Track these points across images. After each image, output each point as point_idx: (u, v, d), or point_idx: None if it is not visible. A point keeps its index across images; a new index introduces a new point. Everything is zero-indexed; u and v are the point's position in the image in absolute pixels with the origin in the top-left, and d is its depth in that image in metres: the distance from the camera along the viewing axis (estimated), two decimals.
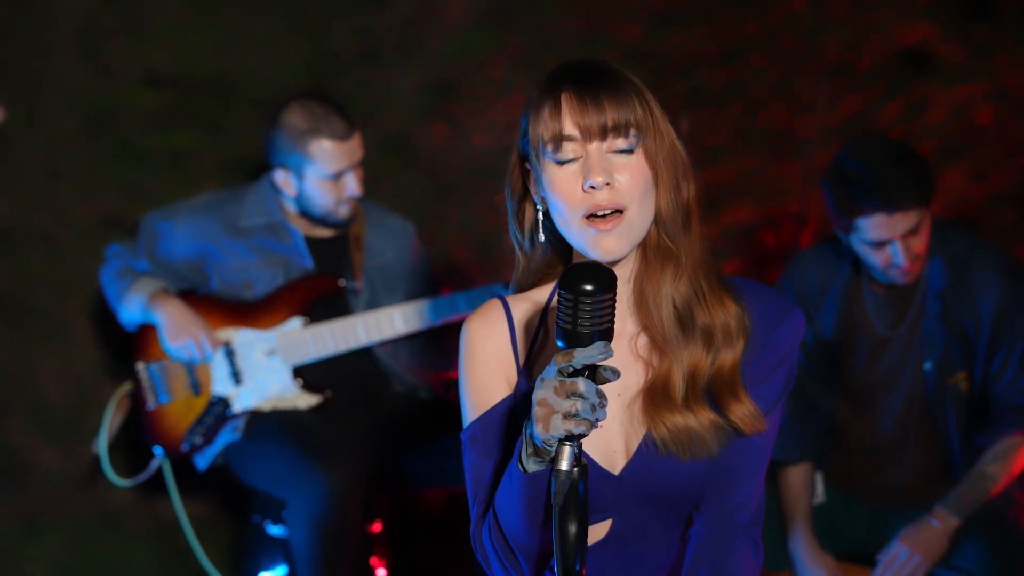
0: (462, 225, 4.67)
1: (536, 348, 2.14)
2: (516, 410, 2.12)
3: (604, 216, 2.02)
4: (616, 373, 1.91)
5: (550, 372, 1.88)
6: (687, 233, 2.08)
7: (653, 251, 2.08)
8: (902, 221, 3.32)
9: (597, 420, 1.87)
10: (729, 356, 2.06)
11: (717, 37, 4.70)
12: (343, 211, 3.80)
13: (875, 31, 4.67)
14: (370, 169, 4.09)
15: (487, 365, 2.13)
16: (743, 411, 2.05)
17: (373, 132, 4.35)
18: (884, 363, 3.52)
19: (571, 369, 1.86)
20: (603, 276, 1.86)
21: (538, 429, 1.89)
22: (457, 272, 4.57)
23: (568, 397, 1.86)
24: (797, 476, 3.56)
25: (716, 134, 4.67)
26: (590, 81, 2.04)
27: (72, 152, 4.41)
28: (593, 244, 2.03)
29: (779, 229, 4.69)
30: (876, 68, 4.67)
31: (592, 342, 1.87)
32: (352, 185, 3.76)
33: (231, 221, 3.82)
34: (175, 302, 3.77)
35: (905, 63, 4.66)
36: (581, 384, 1.85)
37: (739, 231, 4.68)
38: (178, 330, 3.74)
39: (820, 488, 3.63)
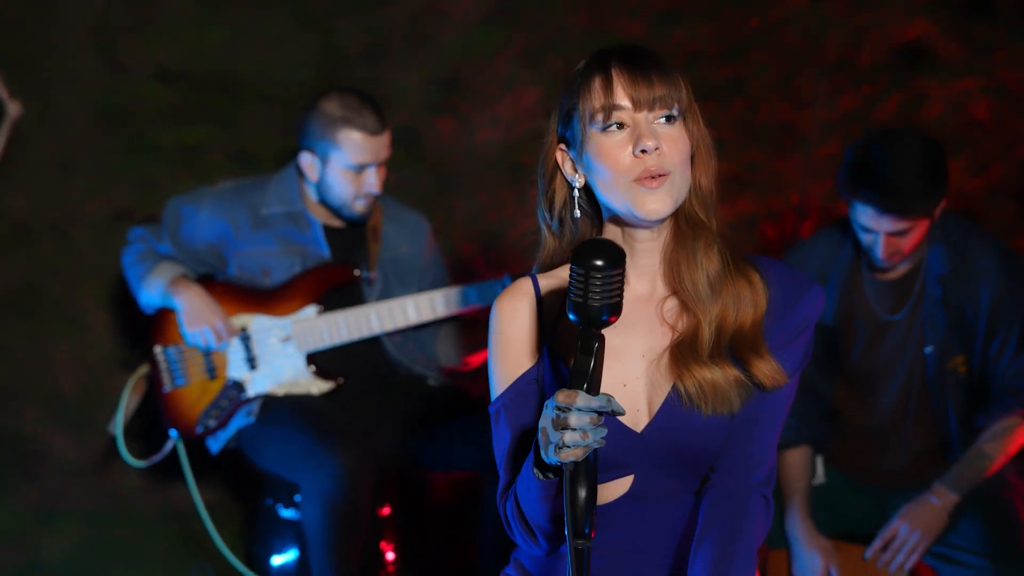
0: (468, 218, 4.71)
1: (560, 323, 2.23)
2: (539, 384, 2.22)
3: (650, 179, 2.12)
4: (622, 412, 1.98)
5: (551, 403, 1.97)
6: (714, 209, 2.20)
7: (685, 222, 2.19)
8: (891, 223, 3.38)
9: (591, 446, 1.94)
10: (752, 314, 2.17)
11: (719, 34, 4.73)
12: (360, 206, 3.85)
13: (874, 28, 4.70)
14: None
15: (514, 342, 2.23)
16: (765, 367, 2.15)
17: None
18: (884, 348, 3.57)
19: (567, 408, 1.94)
20: (613, 252, 1.96)
21: (542, 453, 2.00)
22: (463, 265, 4.61)
23: (561, 430, 1.95)
24: (795, 458, 3.60)
25: (718, 129, 4.44)
26: (638, 59, 2.17)
27: (85, 146, 4.47)
28: (641, 203, 2.13)
29: (780, 222, 4.72)
30: (875, 64, 4.70)
31: (601, 314, 1.95)
32: (372, 180, 3.81)
33: (253, 208, 3.88)
34: (195, 288, 3.82)
35: (904, 59, 4.68)
36: (572, 419, 1.93)
37: (741, 223, 4.70)
38: (197, 317, 3.79)
39: (820, 469, 3.68)
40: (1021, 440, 3.48)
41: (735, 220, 4.67)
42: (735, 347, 2.16)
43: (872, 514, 3.62)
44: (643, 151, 2.11)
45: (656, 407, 2.18)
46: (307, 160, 3.83)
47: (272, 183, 3.93)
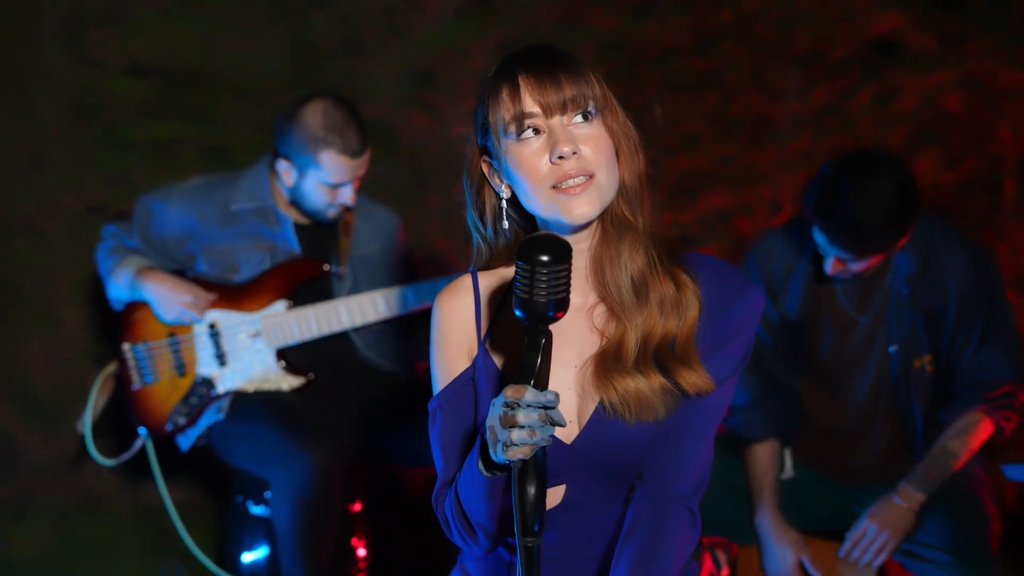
0: (442, 213, 4.69)
1: (498, 321, 2.21)
2: (474, 382, 2.20)
3: (573, 184, 2.08)
4: (563, 423, 1.95)
5: (499, 400, 1.95)
6: (641, 205, 2.16)
7: (610, 221, 2.15)
8: (852, 264, 3.41)
9: (538, 444, 1.93)
10: (681, 323, 2.12)
11: (692, 27, 4.73)
12: (331, 213, 3.84)
13: (847, 20, 4.70)
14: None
15: (453, 339, 2.21)
16: (691, 376, 2.11)
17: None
18: (852, 344, 3.57)
19: (516, 404, 1.92)
20: (559, 246, 1.94)
21: (490, 451, 1.98)
22: (437, 260, 4.60)
23: (509, 428, 1.93)
24: (764, 453, 3.60)
25: (692, 122, 4.70)
26: (543, 61, 2.11)
27: (58, 141, 4.45)
28: (567, 208, 2.08)
29: (753, 215, 4.72)
30: (848, 57, 4.71)
31: (548, 310, 1.94)
32: (348, 194, 3.79)
33: (223, 204, 3.85)
34: (159, 275, 3.81)
35: (876, 52, 4.70)
36: (520, 416, 1.92)
37: (715, 217, 4.71)
38: (169, 302, 3.78)
39: (789, 463, 3.67)
40: (985, 435, 3.47)
41: (709, 214, 4.70)
42: (660, 355, 2.12)
43: (840, 511, 3.62)
44: (560, 157, 2.07)
45: (585, 418, 2.15)
46: (284, 166, 3.80)
47: (243, 179, 3.91)
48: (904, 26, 4.66)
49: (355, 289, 3.94)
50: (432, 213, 4.71)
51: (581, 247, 2.17)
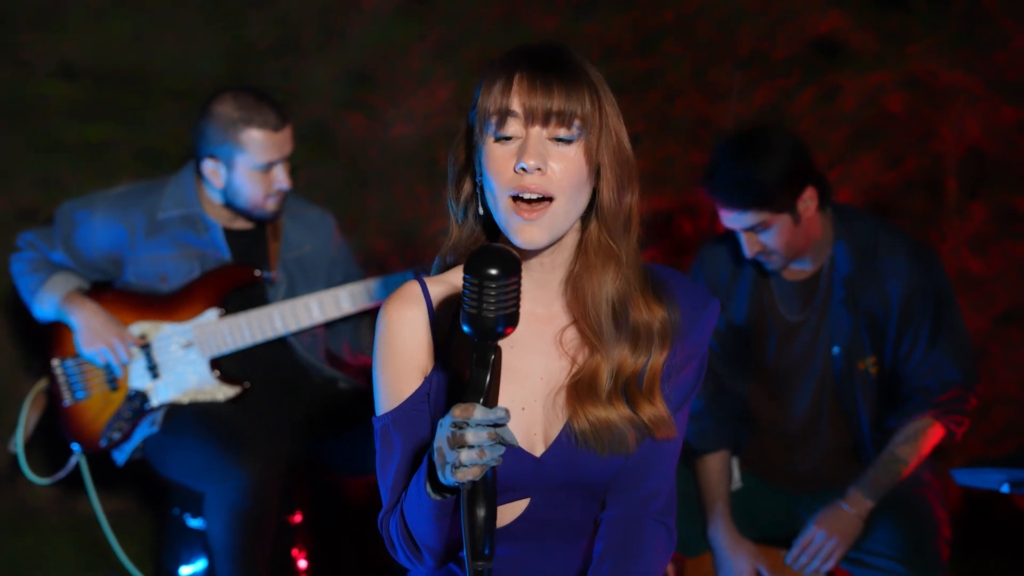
0: (381, 214, 4.66)
1: (453, 333, 2.14)
2: (430, 399, 2.13)
3: (530, 202, 2.02)
4: (515, 443, 1.90)
5: (447, 420, 1.89)
6: (627, 236, 2.09)
7: (595, 248, 2.09)
8: (735, 217, 3.41)
9: (488, 464, 1.87)
10: (652, 359, 2.09)
11: (633, 26, 4.70)
12: (271, 204, 3.78)
13: (789, 20, 4.69)
14: (290, 159, 4.05)
15: (404, 351, 2.12)
16: (656, 415, 2.09)
17: (292, 122, 4.25)
18: (794, 348, 3.56)
19: (464, 423, 1.87)
20: (508, 260, 1.88)
21: (438, 473, 1.92)
22: (377, 262, 4.57)
23: (458, 448, 1.87)
24: (715, 463, 3.58)
25: (633, 122, 4.38)
26: (545, 65, 2.05)
27: None
28: (516, 230, 2.03)
29: (696, 217, 4.70)
30: (790, 57, 4.69)
31: (497, 326, 1.88)
32: (281, 177, 3.75)
33: (149, 213, 3.79)
34: (90, 306, 3.73)
35: (818, 52, 4.69)
36: (470, 436, 1.86)
37: (657, 219, 4.67)
38: (94, 336, 3.71)
39: (737, 474, 3.66)
40: (934, 440, 3.47)
41: (651, 216, 4.58)
42: (629, 390, 2.09)
43: (786, 518, 3.61)
44: (522, 168, 2.02)
45: (552, 437, 2.11)
46: (210, 167, 3.74)
47: (168, 186, 3.85)
48: (845, 26, 4.66)
49: (291, 293, 3.89)
50: (371, 215, 4.67)
51: (548, 259, 2.11)
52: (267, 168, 3.72)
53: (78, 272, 3.82)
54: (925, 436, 3.45)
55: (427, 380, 2.13)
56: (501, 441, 1.88)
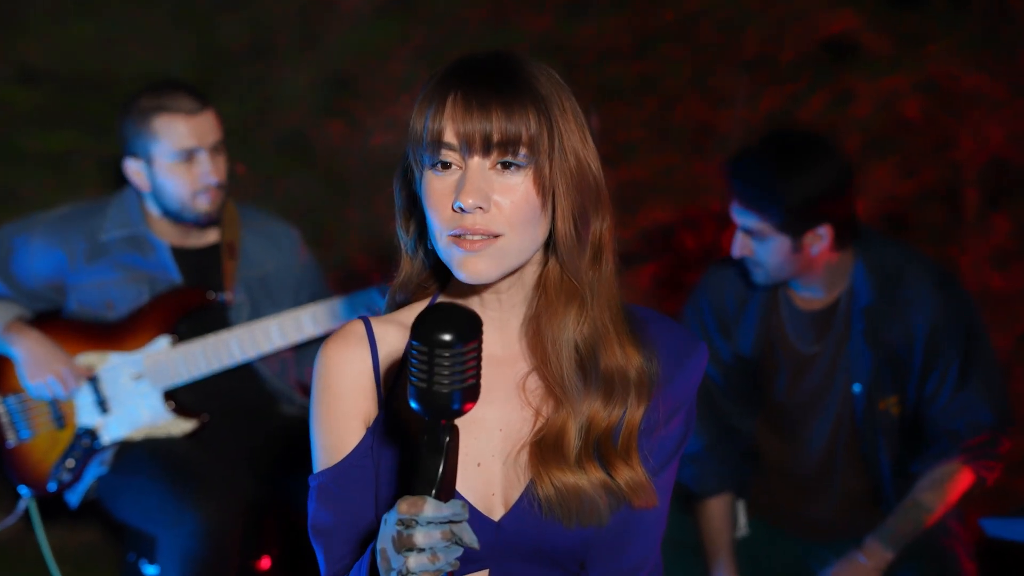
0: (362, 228, 4.57)
1: (400, 380, 1.89)
2: (373, 452, 1.89)
3: (471, 240, 1.80)
4: (474, 545, 1.64)
5: (392, 517, 1.63)
6: (596, 270, 1.86)
7: (555, 288, 1.85)
8: (739, 213, 3.30)
9: (442, 571, 1.61)
10: (629, 412, 1.85)
11: (630, 27, 4.66)
12: (202, 203, 3.62)
13: (797, 20, 4.68)
14: (264, 170, 4.01)
15: (344, 399, 1.89)
16: (633, 479, 1.84)
17: (267, 131, 4.30)
18: (807, 383, 3.41)
19: (413, 521, 1.61)
20: (464, 321, 1.61)
21: None
22: (358, 277, 4.47)
23: (405, 551, 1.61)
24: (718, 508, 3.45)
25: (631, 130, 4.65)
26: (484, 82, 1.79)
27: None
28: (459, 264, 1.80)
29: (699, 230, 4.64)
30: (798, 59, 4.68)
31: (452, 402, 1.61)
32: (206, 168, 3.60)
33: (91, 235, 3.68)
34: (33, 335, 3.61)
35: (829, 54, 4.67)
36: (419, 537, 1.60)
37: (657, 233, 4.64)
38: (38, 368, 3.59)
39: (743, 520, 3.53)
40: (963, 487, 3.30)
41: (650, 229, 4.66)
42: (602, 449, 1.84)
43: (796, 570, 3.48)
44: (460, 208, 1.78)
45: (513, 499, 1.86)
46: (132, 168, 3.64)
47: (111, 206, 3.74)
48: (858, 26, 4.64)
49: (255, 315, 3.74)
50: (351, 228, 4.57)
51: (504, 295, 1.88)
52: (187, 158, 3.59)
53: (19, 302, 3.71)
54: (953, 482, 3.29)
55: (370, 431, 1.89)
56: (458, 542, 1.62)
